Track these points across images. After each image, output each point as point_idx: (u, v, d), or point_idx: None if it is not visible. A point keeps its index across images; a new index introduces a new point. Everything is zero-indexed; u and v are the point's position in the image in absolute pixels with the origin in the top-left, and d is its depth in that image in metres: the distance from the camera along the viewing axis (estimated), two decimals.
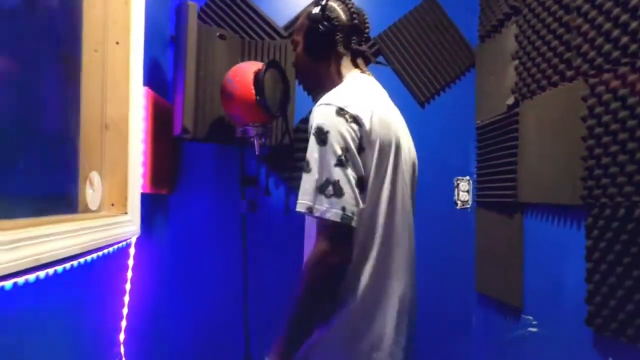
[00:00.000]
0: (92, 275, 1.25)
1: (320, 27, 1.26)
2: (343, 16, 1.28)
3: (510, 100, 1.76)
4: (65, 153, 1.40)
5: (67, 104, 1.40)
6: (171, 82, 1.93)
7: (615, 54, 1.24)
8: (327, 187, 1.06)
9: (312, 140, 1.11)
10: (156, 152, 1.71)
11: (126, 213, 1.50)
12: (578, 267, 1.36)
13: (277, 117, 1.70)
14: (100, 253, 1.26)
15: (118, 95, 1.51)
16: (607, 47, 1.27)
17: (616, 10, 1.24)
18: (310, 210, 1.07)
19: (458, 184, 2.11)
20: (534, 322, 1.61)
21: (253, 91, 1.59)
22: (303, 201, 1.09)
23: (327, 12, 1.27)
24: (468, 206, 2.11)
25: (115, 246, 1.40)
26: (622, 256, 1.18)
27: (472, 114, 2.13)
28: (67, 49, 1.41)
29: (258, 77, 1.54)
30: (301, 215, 1.12)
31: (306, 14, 1.33)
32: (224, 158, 2.01)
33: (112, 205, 1.50)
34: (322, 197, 1.06)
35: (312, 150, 1.10)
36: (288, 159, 2.00)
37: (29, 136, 1.19)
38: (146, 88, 1.62)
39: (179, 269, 1.98)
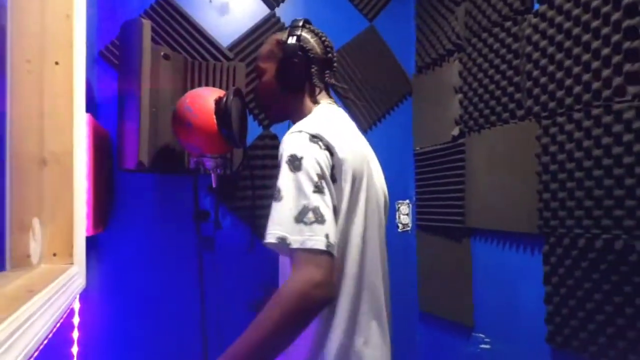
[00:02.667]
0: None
1: (296, 59, 1.22)
2: (317, 48, 1.26)
3: (456, 131, 1.88)
4: None
5: None
6: (104, 105, 1.70)
7: (569, 100, 1.39)
8: (307, 214, 0.98)
9: (285, 168, 1.04)
10: (96, 187, 1.49)
11: (72, 264, 1.27)
12: (534, 290, 1.50)
13: (239, 147, 1.59)
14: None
15: (58, 125, 1.28)
16: (560, 93, 1.42)
17: (568, 62, 1.40)
18: (283, 240, 0.97)
19: (399, 207, 2.19)
20: (486, 340, 1.73)
21: (214, 121, 1.47)
22: (274, 231, 0.98)
23: (303, 44, 1.23)
24: (408, 229, 2.20)
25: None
26: (582, 281, 1.33)
27: (410, 140, 2.23)
28: None
29: (225, 107, 1.43)
30: (268, 250, 1.02)
31: (274, 41, 1.28)
32: (164, 189, 1.82)
33: (54, 255, 1.26)
34: (302, 226, 0.97)
35: (285, 178, 1.03)
36: (235, 189, 1.88)
37: None
38: (89, 115, 1.40)
39: (127, 316, 1.73)
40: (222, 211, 1.86)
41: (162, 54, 1.64)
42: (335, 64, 1.31)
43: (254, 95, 1.39)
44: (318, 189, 1.01)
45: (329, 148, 1.07)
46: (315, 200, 1.00)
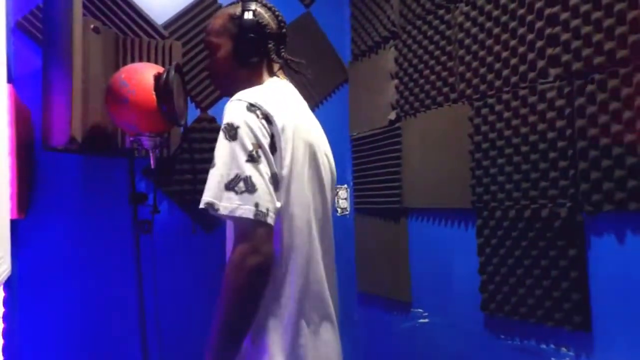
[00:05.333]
0: None
1: (253, 33, 1.21)
2: (272, 24, 1.26)
3: (393, 116, 1.95)
4: None
5: None
6: (23, 80, 1.55)
7: (498, 83, 1.50)
8: (238, 183, 1.01)
9: (221, 136, 1.06)
10: (19, 167, 1.35)
11: None
12: (469, 262, 1.60)
13: (180, 126, 1.53)
14: None
15: None
16: (490, 76, 1.53)
17: (497, 47, 1.51)
18: (211, 206, 1.01)
19: (337, 192, 2.23)
20: (424, 314, 1.82)
21: (153, 97, 1.40)
22: (205, 197, 1.02)
23: (259, 19, 1.22)
24: (347, 213, 2.25)
25: None
26: (513, 249, 1.44)
27: (346, 126, 2.28)
28: None
29: (165, 83, 1.36)
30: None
31: (227, 16, 1.25)
32: (93, 171, 1.70)
33: None
34: (231, 194, 1.00)
35: (221, 146, 1.05)
36: (172, 172, 1.81)
37: None
38: (10, 86, 1.27)
39: (57, 306, 1.59)
40: (160, 195, 1.77)
41: (91, 26, 1.53)
42: (287, 39, 1.30)
43: (207, 71, 1.35)
44: (252, 159, 1.03)
45: (267, 117, 1.08)
46: (247, 169, 1.02)
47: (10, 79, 1.41)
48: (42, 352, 1.56)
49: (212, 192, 1.01)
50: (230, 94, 1.35)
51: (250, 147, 1.02)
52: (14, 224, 1.40)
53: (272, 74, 1.28)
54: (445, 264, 1.73)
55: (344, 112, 2.29)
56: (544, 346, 1.38)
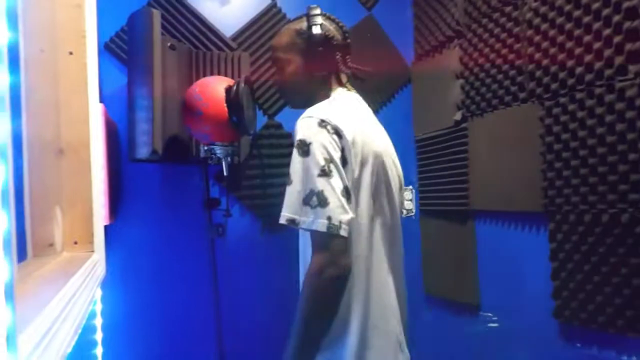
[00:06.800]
0: None
1: (321, 47, 1.25)
2: (338, 35, 1.29)
3: (458, 116, 1.91)
4: None
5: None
6: (110, 97, 1.71)
7: (571, 81, 1.43)
8: (312, 198, 1.07)
9: (295, 153, 1.12)
10: (110, 177, 1.49)
11: (93, 251, 1.28)
12: (540, 267, 1.55)
13: (250, 135, 1.61)
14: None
15: (74, 115, 1.29)
16: (562, 74, 1.46)
17: (569, 44, 1.44)
18: (292, 222, 1.08)
19: (402, 194, 2.23)
20: (493, 318, 1.78)
21: (225, 109, 1.49)
22: (285, 213, 1.09)
23: (325, 32, 1.26)
24: (412, 214, 2.24)
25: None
26: (589, 256, 1.38)
27: (410, 127, 2.26)
28: None
29: (236, 95, 1.44)
30: (286, 232, 1.14)
31: (294, 32, 1.30)
32: (171, 179, 1.83)
33: (75, 243, 1.27)
34: (307, 209, 1.07)
35: (295, 163, 1.11)
36: (242, 177, 1.90)
37: None
38: (102, 105, 1.41)
39: (142, 304, 1.74)
40: (231, 200, 1.88)
41: (168, 44, 1.65)
42: (351, 48, 1.33)
43: (277, 86, 1.43)
44: (324, 173, 1.07)
45: (337, 131, 1.11)
46: (320, 184, 1.06)
47: (100, 98, 1.55)
48: (130, 344, 1.71)
49: (291, 208, 1.08)
50: (301, 107, 1.41)
51: (322, 162, 1.07)
52: (105, 229, 1.55)
53: (339, 84, 1.31)
54: (515, 268, 1.68)
55: (408, 113, 2.28)
56: (625, 358, 1.31)
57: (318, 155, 1.07)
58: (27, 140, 1.18)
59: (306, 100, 1.34)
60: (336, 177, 1.08)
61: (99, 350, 1.23)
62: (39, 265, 1.05)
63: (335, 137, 1.10)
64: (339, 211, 1.06)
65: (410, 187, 2.24)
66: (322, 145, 1.08)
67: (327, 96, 1.30)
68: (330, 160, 1.08)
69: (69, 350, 0.71)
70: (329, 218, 1.04)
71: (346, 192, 1.10)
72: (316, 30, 1.25)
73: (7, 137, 0.50)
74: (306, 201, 1.07)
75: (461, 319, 1.95)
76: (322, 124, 1.10)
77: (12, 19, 1.01)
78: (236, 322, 1.71)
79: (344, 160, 1.12)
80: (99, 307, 1.28)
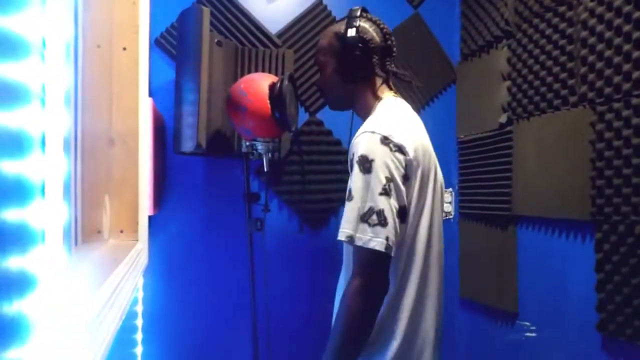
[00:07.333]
0: None
1: (357, 51, 1.23)
2: (377, 38, 1.27)
3: (504, 119, 1.87)
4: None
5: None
6: (159, 91, 1.76)
7: (626, 86, 1.37)
8: (371, 216, 1.06)
9: (356, 169, 1.10)
10: (155, 169, 1.55)
11: (137, 240, 1.34)
12: (584, 277, 1.49)
13: (291, 132, 1.63)
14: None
15: (125, 107, 1.34)
16: (617, 78, 1.40)
17: (627, 46, 1.37)
18: (351, 239, 1.07)
19: (443, 196, 2.19)
20: (531, 327, 1.73)
21: (269, 105, 1.51)
22: (344, 230, 1.08)
23: (362, 34, 1.24)
24: (451, 217, 2.21)
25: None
26: (638, 269, 1.32)
27: (452, 128, 2.23)
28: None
29: (279, 92, 1.46)
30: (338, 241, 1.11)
31: (333, 34, 1.30)
32: (213, 172, 1.88)
33: (121, 232, 1.33)
34: (365, 226, 1.06)
35: (356, 179, 1.10)
36: (282, 173, 1.93)
37: None
38: (150, 99, 1.46)
39: (181, 295, 1.80)
40: (270, 195, 1.90)
41: (215, 40, 1.68)
42: (394, 51, 1.32)
43: (317, 88, 1.44)
44: (385, 192, 1.07)
45: (400, 149, 1.11)
46: (381, 203, 1.06)
47: (149, 92, 1.61)
48: (168, 331, 1.77)
49: (351, 224, 1.07)
50: (340, 109, 1.41)
51: (384, 181, 1.07)
52: (149, 219, 1.61)
53: (382, 89, 1.29)
54: (557, 277, 1.63)
55: (451, 114, 2.24)
56: None
57: (380, 173, 1.07)
58: (81, 129, 1.24)
59: (347, 103, 1.35)
60: (394, 197, 1.08)
61: (139, 336, 1.29)
62: (88, 251, 1.10)
63: (398, 154, 1.10)
64: (394, 232, 1.06)
65: (451, 189, 2.21)
66: (385, 163, 1.08)
67: (369, 100, 1.29)
68: (390, 179, 1.08)
69: (115, 334, 0.75)
70: (387, 238, 1.05)
71: (401, 213, 1.10)
72: (351, 32, 1.24)
73: (70, 132, 0.53)
74: (364, 218, 1.06)
75: (498, 325, 1.91)
76: (385, 141, 1.10)
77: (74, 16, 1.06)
78: (270, 316, 1.74)
79: (406, 177, 1.12)
80: (140, 295, 1.33)
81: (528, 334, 1.74)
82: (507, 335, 1.85)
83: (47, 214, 0.44)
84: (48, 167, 0.43)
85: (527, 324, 1.75)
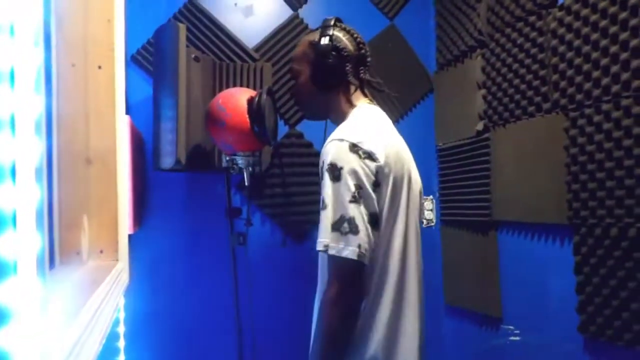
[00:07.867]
0: None
1: (330, 58, 1.25)
2: (350, 46, 1.29)
3: (480, 126, 1.90)
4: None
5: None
6: (136, 108, 1.75)
7: (597, 92, 1.41)
8: (343, 224, 1.06)
9: (326, 177, 1.10)
10: (135, 186, 1.53)
11: (117, 260, 1.32)
12: (564, 280, 1.52)
13: (271, 145, 1.63)
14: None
15: (102, 126, 1.33)
16: (587, 85, 1.44)
17: (595, 54, 1.42)
18: (327, 247, 1.07)
19: (423, 203, 2.21)
20: (515, 331, 1.75)
21: (247, 120, 1.51)
22: (321, 239, 1.08)
23: (335, 43, 1.26)
24: (432, 224, 2.23)
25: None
26: (615, 270, 1.35)
27: (432, 136, 2.26)
28: None
29: (257, 106, 1.47)
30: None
31: (307, 43, 1.31)
32: (194, 188, 1.87)
33: (101, 252, 1.31)
34: (338, 235, 1.06)
35: (327, 187, 1.10)
36: (264, 186, 1.92)
37: None
38: (128, 117, 1.45)
39: (164, 310, 1.78)
40: (252, 208, 1.90)
41: (192, 56, 1.68)
42: (368, 59, 1.33)
43: (292, 96, 1.44)
44: (355, 199, 1.07)
45: (370, 156, 1.11)
46: (351, 210, 1.06)
47: (126, 109, 1.59)
48: (152, 352, 1.74)
49: (327, 233, 1.07)
50: (316, 118, 1.42)
51: (353, 189, 1.07)
52: (129, 237, 1.59)
53: (356, 97, 1.30)
54: (538, 281, 1.65)
55: (430, 122, 2.27)
56: None
57: (349, 180, 1.07)
58: (57, 150, 1.22)
59: (322, 111, 1.35)
60: (365, 204, 1.08)
61: (121, 358, 1.26)
62: (67, 274, 1.08)
63: (367, 161, 1.10)
64: (366, 239, 1.06)
65: (431, 196, 2.23)
66: (354, 170, 1.08)
67: (344, 108, 1.29)
68: (360, 186, 1.08)
69: (96, 358, 0.74)
70: (359, 246, 1.05)
71: (372, 219, 1.10)
72: (324, 41, 1.25)
73: (42, 160, 0.52)
74: (336, 227, 1.06)
75: (482, 330, 1.92)
76: (354, 148, 1.10)
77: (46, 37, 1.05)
78: (256, 330, 1.73)
79: (377, 184, 1.12)
80: (122, 315, 1.31)
81: (512, 338, 1.76)
82: (492, 340, 1.86)
83: (19, 243, 0.43)
84: (19, 196, 0.42)
85: (511, 328, 1.77)
